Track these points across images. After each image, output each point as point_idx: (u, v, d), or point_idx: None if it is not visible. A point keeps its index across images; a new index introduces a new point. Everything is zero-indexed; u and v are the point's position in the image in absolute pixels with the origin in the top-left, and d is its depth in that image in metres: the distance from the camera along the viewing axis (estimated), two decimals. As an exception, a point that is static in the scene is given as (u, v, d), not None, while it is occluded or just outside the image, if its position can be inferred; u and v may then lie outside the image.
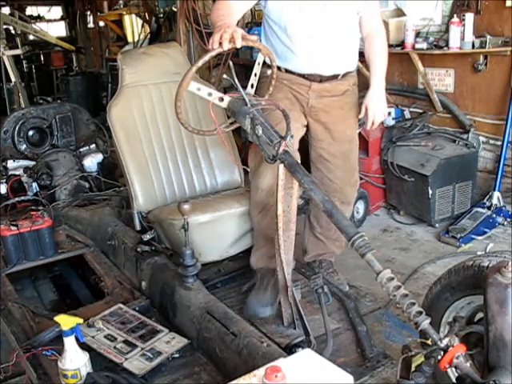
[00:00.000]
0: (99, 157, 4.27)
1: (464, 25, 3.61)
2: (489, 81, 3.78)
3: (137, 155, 2.72)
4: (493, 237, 3.52)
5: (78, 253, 2.96)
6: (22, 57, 7.75)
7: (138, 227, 2.70)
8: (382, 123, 4.02)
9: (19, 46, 7.03)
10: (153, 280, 2.46)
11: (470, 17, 3.60)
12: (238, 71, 1.99)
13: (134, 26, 7.86)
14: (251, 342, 1.87)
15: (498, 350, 1.51)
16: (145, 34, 7.04)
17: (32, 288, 2.93)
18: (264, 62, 2.10)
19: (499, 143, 3.74)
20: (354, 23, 2.39)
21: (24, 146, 4.06)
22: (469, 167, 3.78)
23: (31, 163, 4.03)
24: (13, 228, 2.76)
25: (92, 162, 4.24)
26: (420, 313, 1.55)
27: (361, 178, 3.08)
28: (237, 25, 2.08)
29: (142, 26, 7.20)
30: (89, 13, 10.06)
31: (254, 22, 5.24)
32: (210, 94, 1.98)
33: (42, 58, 9.60)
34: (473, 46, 3.64)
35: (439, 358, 1.51)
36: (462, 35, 3.64)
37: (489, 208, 3.66)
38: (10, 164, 4.04)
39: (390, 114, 4.14)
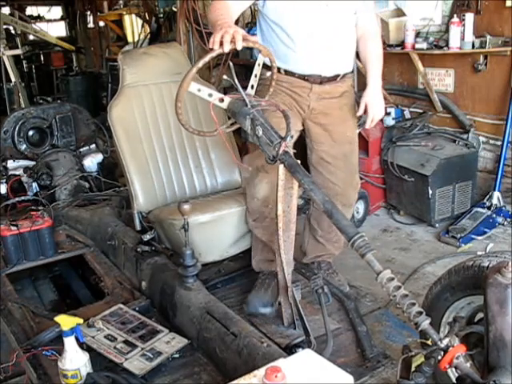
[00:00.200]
0: (99, 157, 4.27)
1: (464, 25, 3.61)
2: (489, 81, 3.78)
3: (137, 155, 2.72)
4: (493, 237, 3.52)
5: (78, 253, 2.96)
6: (22, 57, 7.74)
7: (138, 227, 2.70)
8: (382, 123, 4.03)
9: (19, 45, 7.02)
10: (153, 280, 2.46)
11: (469, 17, 3.60)
12: (237, 71, 2.00)
13: (134, 26, 7.84)
14: (251, 342, 1.87)
15: (498, 350, 1.51)
16: (145, 34, 7.02)
17: (32, 288, 2.92)
18: (264, 64, 2.10)
19: (499, 143, 3.74)
20: (352, 23, 2.39)
21: (24, 146, 4.05)
22: (469, 167, 3.78)
23: (31, 163, 4.03)
24: (13, 228, 2.77)
25: (92, 162, 4.23)
26: (420, 313, 1.55)
27: (361, 178, 3.07)
28: (236, 24, 2.06)
29: (142, 26, 7.19)
30: (89, 13, 10.05)
31: (253, 22, 5.23)
32: (210, 95, 1.98)
33: (42, 58, 9.59)
34: (473, 46, 3.64)
35: (439, 358, 1.51)
36: (462, 35, 3.64)
37: (489, 208, 3.66)
38: (10, 164, 4.03)
39: (389, 113, 4.15)
